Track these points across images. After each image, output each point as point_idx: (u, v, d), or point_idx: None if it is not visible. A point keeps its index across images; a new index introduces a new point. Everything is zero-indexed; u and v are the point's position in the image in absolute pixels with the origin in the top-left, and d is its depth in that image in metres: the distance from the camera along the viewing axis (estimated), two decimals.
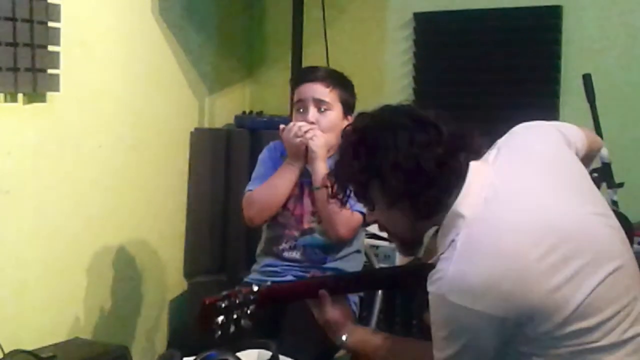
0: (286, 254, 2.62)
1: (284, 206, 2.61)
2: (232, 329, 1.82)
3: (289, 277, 2.59)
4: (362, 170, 1.67)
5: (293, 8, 3.48)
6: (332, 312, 1.89)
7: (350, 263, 2.61)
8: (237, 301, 1.84)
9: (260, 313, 1.88)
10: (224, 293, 1.84)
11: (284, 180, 2.58)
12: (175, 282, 3.73)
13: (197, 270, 3.70)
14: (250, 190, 2.63)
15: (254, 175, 2.68)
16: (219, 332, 1.81)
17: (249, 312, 1.85)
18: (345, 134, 1.76)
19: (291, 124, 2.56)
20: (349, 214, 2.50)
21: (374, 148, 1.66)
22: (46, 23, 2.86)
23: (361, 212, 2.52)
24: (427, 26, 3.65)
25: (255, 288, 1.88)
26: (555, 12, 3.37)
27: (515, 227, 1.58)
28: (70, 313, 3.13)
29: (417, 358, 1.76)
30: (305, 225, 2.61)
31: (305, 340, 2.27)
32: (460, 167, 1.65)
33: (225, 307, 1.83)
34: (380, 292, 2.64)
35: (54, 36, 2.89)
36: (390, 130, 1.66)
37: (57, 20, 2.90)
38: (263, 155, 2.73)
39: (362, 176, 1.68)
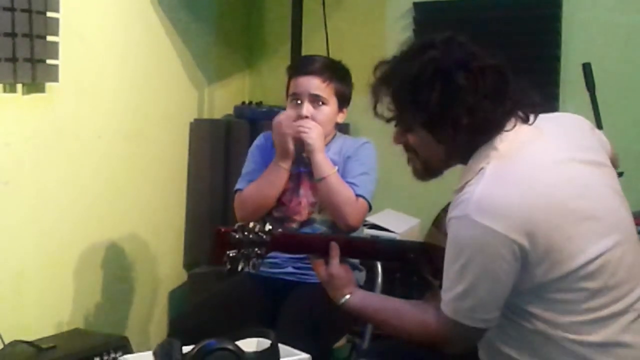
0: None
1: (278, 200, 2.60)
2: (241, 265, 1.87)
3: (290, 269, 2.59)
4: (439, 104, 1.65)
5: None
6: (339, 267, 1.90)
7: None
8: (250, 236, 1.89)
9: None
10: (238, 224, 1.89)
11: (272, 183, 2.56)
12: (175, 273, 3.73)
13: (197, 261, 3.70)
14: (240, 189, 2.61)
15: (243, 170, 2.67)
16: (229, 266, 1.87)
17: (259, 252, 1.89)
18: (415, 52, 1.72)
19: (282, 116, 2.55)
20: (355, 202, 2.49)
21: (453, 86, 1.64)
22: (45, 13, 2.85)
23: (365, 198, 2.52)
24: (426, 16, 3.64)
25: (268, 227, 1.91)
26: (554, 2, 3.36)
27: (547, 167, 1.65)
28: (69, 304, 3.13)
29: (419, 316, 1.77)
30: (304, 217, 2.60)
31: (304, 329, 2.28)
32: (518, 120, 1.70)
33: (238, 239, 1.88)
34: (380, 281, 2.64)
35: (52, 26, 2.88)
36: (465, 69, 1.65)
37: (56, 10, 2.89)
38: (253, 149, 2.71)
39: (436, 109, 1.66)
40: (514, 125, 1.69)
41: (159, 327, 3.61)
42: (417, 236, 3.25)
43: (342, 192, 2.48)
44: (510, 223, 1.56)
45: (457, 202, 1.63)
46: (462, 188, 1.66)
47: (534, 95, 1.74)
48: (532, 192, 1.60)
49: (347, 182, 2.51)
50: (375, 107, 1.76)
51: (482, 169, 1.64)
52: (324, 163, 2.50)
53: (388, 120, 1.77)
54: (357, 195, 2.49)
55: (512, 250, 1.57)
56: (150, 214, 3.54)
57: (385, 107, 1.76)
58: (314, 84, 2.55)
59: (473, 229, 1.58)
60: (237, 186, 2.64)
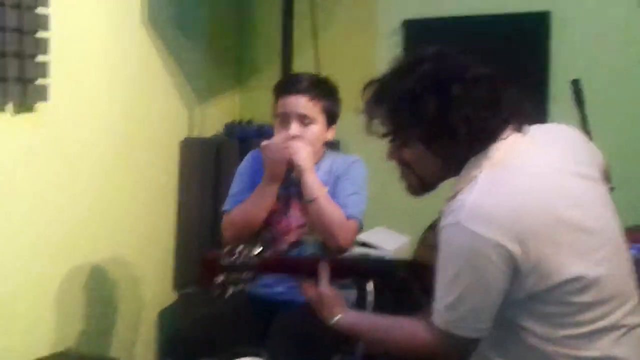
0: None
1: (268, 221, 2.58)
2: (230, 291, 1.87)
3: (280, 289, 2.58)
4: (437, 117, 1.66)
5: (283, 16, 3.49)
6: (329, 288, 1.90)
7: None
8: (238, 261, 1.90)
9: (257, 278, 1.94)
10: (227, 248, 1.91)
11: (259, 205, 2.54)
12: (165, 293, 3.71)
13: (187, 281, 3.68)
14: (227, 210, 2.60)
15: (231, 190, 2.65)
16: (218, 291, 1.89)
17: (247, 276, 1.92)
18: (408, 67, 1.74)
19: (272, 140, 2.52)
20: (346, 223, 2.48)
21: (450, 97, 1.65)
22: (35, 33, 2.85)
23: (356, 218, 2.51)
24: (416, 33, 3.66)
25: (257, 250, 1.92)
26: (543, 18, 3.39)
27: (540, 177, 1.65)
28: (59, 325, 3.11)
29: (411, 330, 1.76)
30: (293, 237, 2.58)
31: (294, 348, 2.27)
32: (513, 129, 1.71)
33: (225, 265, 1.89)
34: (371, 299, 2.63)
35: (43, 46, 2.88)
36: (460, 81, 1.67)
37: (46, 30, 2.89)
38: (240, 169, 2.69)
39: (434, 121, 1.66)
40: (509, 134, 1.70)
41: (148, 348, 3.59)
42: (408, 254, 3.24)
43: (333, 213, 2.46)
44: (502, 230, 1.57)
45: (449, 210, 1.63)
46: (454, 196, 1.66)
47: (527, 105, 1.75)
48: (524, 200, 1.60)
49: (338, 203, 2.49)
50: (369, 126, 1.76)
51: (475, 177, 1.65)
52: (314, 184, 2.48)
53: (383, 136, 1.77)
54: (348, 217, 2.48)
55: (504, 257, 1.57)
56: (140, 233, 3.52)
57: (379, 124, 1.76)
58: (301, 103, 2.53)
59: (465, 235, 1.58)
60: (225, 207, 2.62)
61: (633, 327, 1.67)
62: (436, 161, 1.73)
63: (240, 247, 1.91)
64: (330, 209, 2.46)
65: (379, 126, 1.76)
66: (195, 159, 3.71)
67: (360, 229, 2.56)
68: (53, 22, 2.92)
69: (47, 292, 3.05)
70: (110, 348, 3.38)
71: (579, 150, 1.81)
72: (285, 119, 2.55)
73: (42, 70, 2.89)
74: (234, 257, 1.89)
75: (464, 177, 1.68)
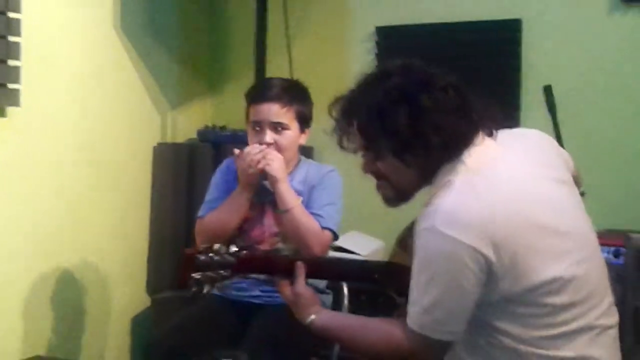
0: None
1: (242, 229, 2.58)
2: (207, 288, 1.89)
3: (256, 292, 2.59)
4: (408, 129, 1.67)
5: (256, 21, 3.50)
6: (305, 287, 1.90)
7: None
8: (216, 258, 1.91)
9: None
10: (204, 246, 1.92)
11: (233, 212, 2.53)
12: (138, 299, 3.68)
13: (161, 286, 3.66)
14: (202, 216, 2.60)
15: (206, 198, 2.65)
16: (194, 289, 1.89)
17: (224, 274, 1.92)
18: (375, 81, 1.75)
19: (245, 150, 2.51)
20: (320, 234, 2.47)
21: (419, 108, 1.67)
22: (6, 37, 2.83)
23: (331, 230, 2.51)
24: (388, 40, 3.69)
25: (234, 249, 1.92)
26: (514, 26, 3.43)
27: (514, 182, 1.68)
28: (28, 332, 3.07)
29: (386, 331, 1.77)
30: (267, 246, 2.58)
31: (270, 351, 2.27)
32: (484, 135, 1.73)
33: (203, 262, 1.90)
34: (346, 303, 2.64)
35: (14, 51, 2.86)
36: (428, 91, 1.68)
37: (18, 34, 2.87)
38: (215, 178, 2.69)
39: (405, 133, 1.67)
40: (482, 140, 1.72)
41: (121, 354, 3.57)
42: (381, 258, 3.26)
43: (307, 223, 2.45)
44: (476, 234, 1.58)
45: (425, 215, 1.65)
46: (429, 201, 1.68)
47: (495, 110, 1.78)
48: (499, 205, 1.62)
49: (313, 214, 2.49)
50: (341, 141, 1.77)
51: (449, 181, 1.66)
52: (288, 194, 2.48)
53: (355, 151, 1.78)
54: (323, 228, 2.48)
55: (478, 260, 1.59)
56: (113, 238, 3.50)
57: (351, 139, 1.77)
58: (274, 110, 2.52)
59: (440, 240, 1.60)
60: (199, 213, 2.62)
61: (607, 328, 1.70)
62: (411, 171, 1.74)
63: (218, 245, 1.91)
64: (305, 220, 2.46)
65: (349, 141, 1.77)
66: (168, 164, 3.70)
67: (335, 239, 2.56)
68: (24, 27, 2.90)
69: (16, 298, 3.02)
70: (82, 355, 3.35)
71: (550, 154, 1.84)
72: (258, 126, 2.55)
73: (14, 74, 2.87)
74: (211, 255, 1.90)
75: (439, 182, 1.70)
